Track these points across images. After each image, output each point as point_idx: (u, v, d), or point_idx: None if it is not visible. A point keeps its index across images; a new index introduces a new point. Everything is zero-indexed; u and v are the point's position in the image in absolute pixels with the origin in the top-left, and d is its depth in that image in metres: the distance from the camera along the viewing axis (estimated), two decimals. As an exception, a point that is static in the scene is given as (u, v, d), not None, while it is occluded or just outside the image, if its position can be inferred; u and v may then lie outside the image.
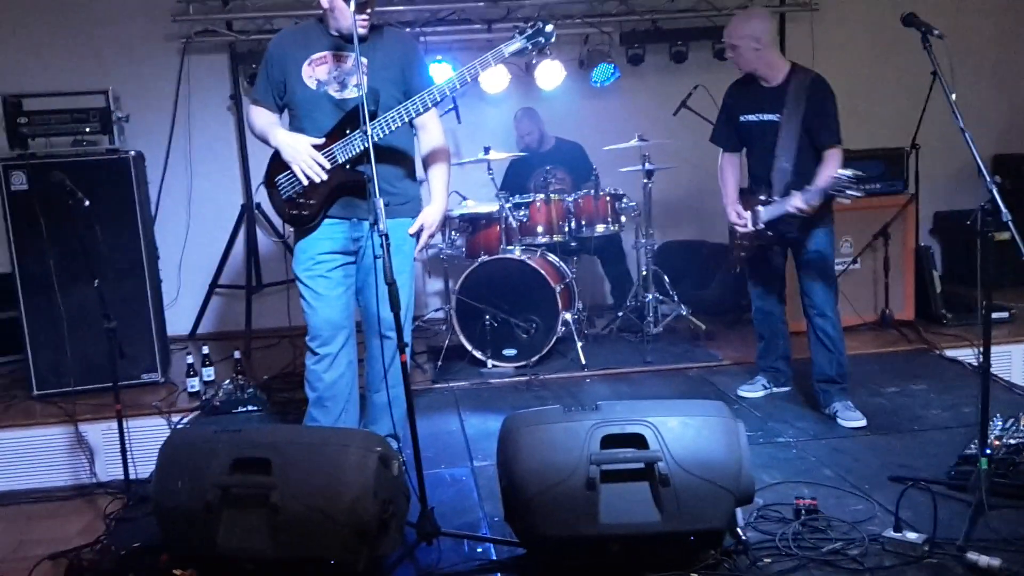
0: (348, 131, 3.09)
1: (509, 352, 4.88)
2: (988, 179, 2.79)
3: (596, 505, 2.42)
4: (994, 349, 4.89)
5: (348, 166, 3.10)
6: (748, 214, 3.88)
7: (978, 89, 6.59)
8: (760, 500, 2.91)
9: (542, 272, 4.80)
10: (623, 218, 5.25)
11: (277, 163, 3.22)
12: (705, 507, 2.42)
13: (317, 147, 3.13)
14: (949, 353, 4.73)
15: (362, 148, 2.97)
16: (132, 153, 4.76)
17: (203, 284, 6.05)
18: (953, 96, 2.92)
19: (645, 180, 5.20)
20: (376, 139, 2.99)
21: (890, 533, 2.58)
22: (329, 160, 3.12)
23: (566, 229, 5.14)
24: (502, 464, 2.54)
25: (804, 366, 4.08)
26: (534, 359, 4.84)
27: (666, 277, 5.46)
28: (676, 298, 5.43)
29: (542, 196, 5.12)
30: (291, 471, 2.44)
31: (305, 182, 3.13)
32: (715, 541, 2.52)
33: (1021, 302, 5.57)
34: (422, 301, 6.38)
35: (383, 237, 2.60)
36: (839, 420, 3.74)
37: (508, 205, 5.03)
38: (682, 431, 2.47)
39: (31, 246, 4.58)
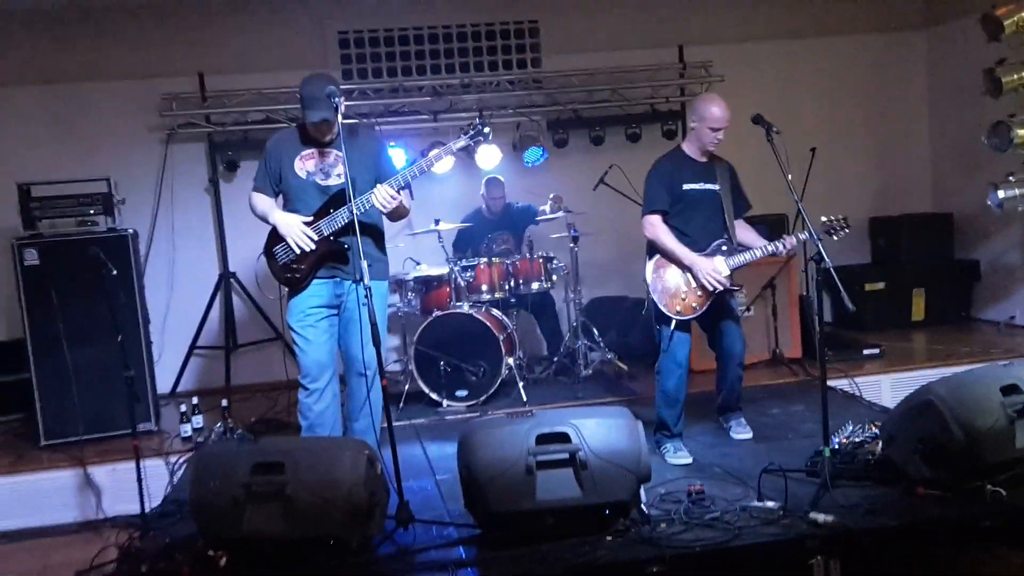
0: (331, 210, 3.93)
1: (461, 393, 5.68)
2: (814, 233, 3.69)
3: (533, 486, 3.21)
4: (866, 379, 5.94)
5: (332, 237, 3.93)
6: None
7: (856, 162, 7.77)
8: (663, 490, 3.74)
9: (487, 323, 5.63)
10: (554, 277, 6.14)
11: (274, 237, 4.03)
12: (615, 484, 3.24)
13: (307, 223, 3.95)
14: (827, 383, 5.65)
15: (344, 222, 3.82)
16: (130, 231, 5.51)
17: (182, 345, 6.73)
18: (789, 176, 3.81)
19: (571, 245, 6.12)
20: (363, 210, 3.82)
21: (754, 503, 3.43)
22: (316, 233, 3.94)
23: (506, 287, 6.00)
24: (461, 459, 3.32)
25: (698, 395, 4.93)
26: (482, 398, 5.64)
27: (594, 327, 6.36)
28: (603, 345, 6.32)
29: (485, 259, 5.99)
30: (300, 470, 3.19)
31: (297, 251, 3.94)
32: (624, 512, 3.32)
33: (892, 340, 6.60)
34: (384, 357, 7.14)
35: (367, 288, 3.42)
36: (732, 434, 4.60)
37: (456, 268, 5.89)
38: (596, 429, 3.29)
39: (41, 313, 5.26)
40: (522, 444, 3.25)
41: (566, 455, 3.24)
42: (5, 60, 6.52)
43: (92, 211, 5.45)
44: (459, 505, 3.46)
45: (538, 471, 3.23)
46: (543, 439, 3.27)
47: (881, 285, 7.22)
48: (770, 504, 3.41)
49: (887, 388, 5.83)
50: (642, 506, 3.41)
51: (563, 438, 3.27)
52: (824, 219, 4.17)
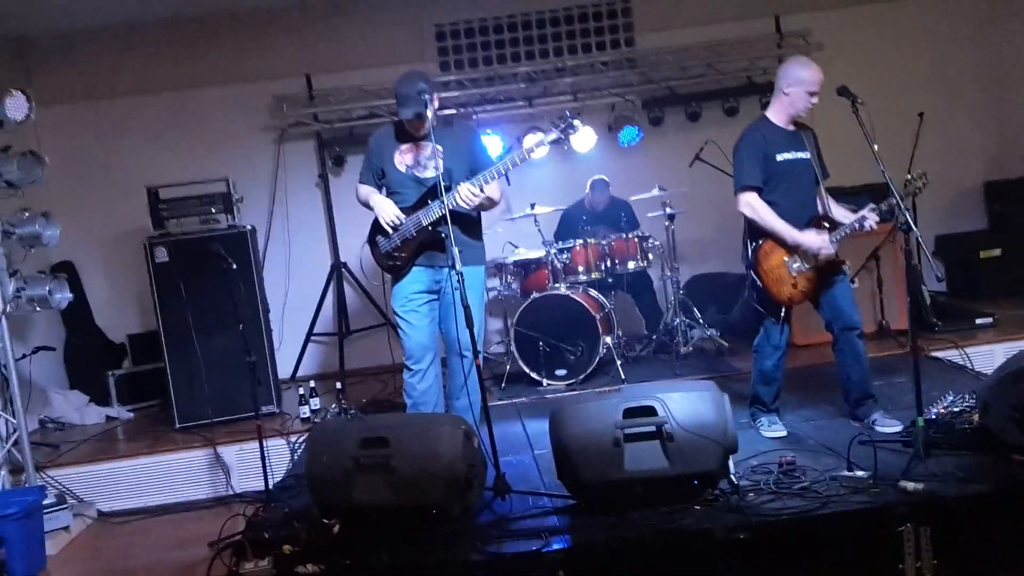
0: (429, 201, 4.14)
1: (560, 372, 5.84)
2: (899, 202, 3.65)
3: (622, 457, 3.35)
4: (978, 348, 5.79)
5: (430, 227, 4.14)
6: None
7: (969, 124, 7.48)
8: (755, 461, 3.80)
9: (584, 304, 5.77)
10: (650, 256, 6.22)
11: (377, 226, 4.28)
12: (701, 455, 3.34)
13: (405, 211, 4.18)
14: (935, 354, 5.52)
15: (439, 213, 4.03)
16: (249, 227, 5.91)
17: (301, 333, 7.15)
18: (876, 147, 3.75)
19: (667, 223, 6.17)
20: (451, 206, 4.01)
21: (844, 472, 3.46)
22: (415, 224, 4.16)
23: (603, 267, 6.12)
24: (553, 433, 3.49)
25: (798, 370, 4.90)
26: (581, 377, 5.79)
27: (693, 305, 6.40)
28: (703, 321, 6.35)
29: (581, 240, 6.12)
30: (403, 444, 3.43)
31: (389, 230, 4.18)
32: (712, 482, 3.42)
33: (1008, 309, 6.37)
34: (487, 339, 7.38)
35: (459, 275, 3.62)
36: (877, 427, 4.13)
37: (553, 250, 6.04)
38: (682, 402, 3.39)
39: (172, 306, 5.72)
40: (610, 418, 3.38)
41: (653, 428, 3.36)
42: (129, 73, 7.07)
43: (214, 210, 5.88)
44: (554, 478, 3.62)
45: (626, 443, 3.36)
46: (630, 413, 3.40)
47: (997, 252, 6.95)
48: (860, 473, 3.43)
49: (1000, 358, 5.61)
50: (731, 476, 3.49)
51: (649, 411, 3.39)
52: (908, 177, 4.02)
